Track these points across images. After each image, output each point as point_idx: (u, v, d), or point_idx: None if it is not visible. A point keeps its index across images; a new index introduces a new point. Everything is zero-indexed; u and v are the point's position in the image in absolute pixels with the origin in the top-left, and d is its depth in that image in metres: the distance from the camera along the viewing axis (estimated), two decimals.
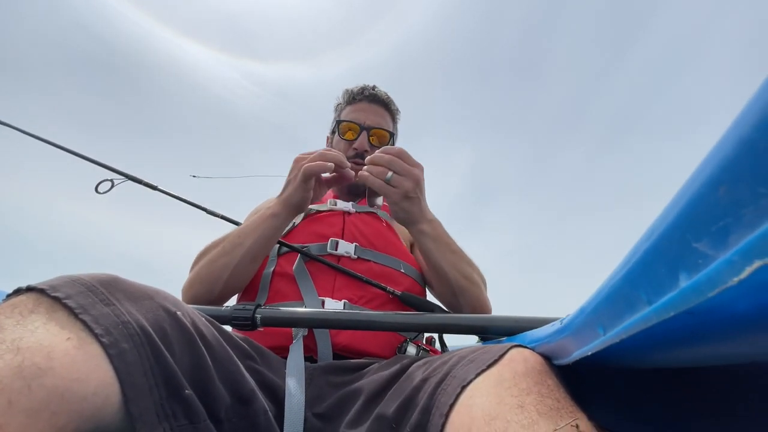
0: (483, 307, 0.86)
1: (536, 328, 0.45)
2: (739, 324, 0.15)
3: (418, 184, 0.75)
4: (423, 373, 0.45)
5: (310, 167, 0.76)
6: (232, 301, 0.86)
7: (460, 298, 0.82)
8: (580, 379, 0.37)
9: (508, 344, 0.40)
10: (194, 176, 0.95)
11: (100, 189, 0.90)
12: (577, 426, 0.29)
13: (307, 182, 0.78)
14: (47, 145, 0.92)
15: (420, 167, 0.76)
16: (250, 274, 0.82)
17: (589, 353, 0.29)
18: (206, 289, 0.79)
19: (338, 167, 0.78)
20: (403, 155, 0.75)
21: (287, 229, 0.92)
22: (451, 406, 0.35)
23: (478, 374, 0.36)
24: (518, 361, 0.37)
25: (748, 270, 0.12)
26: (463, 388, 0.36)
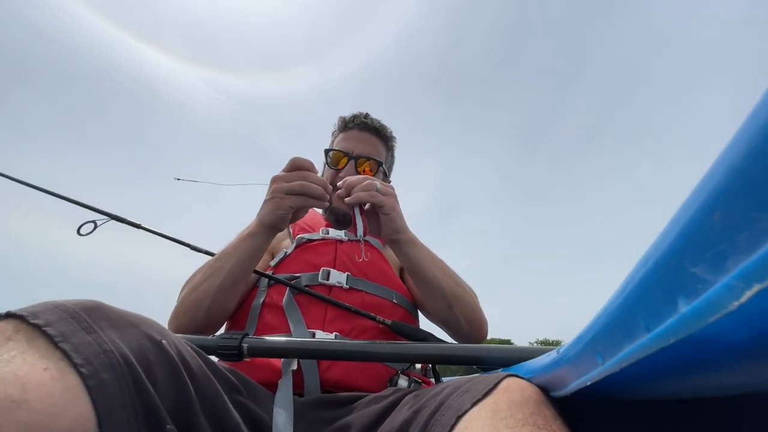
0: (479, 318, 0.85)
1: (533, 358, 0.45)
2: (739, 350, 0.15)
3: (390, 195, 0.79)
4: (415, 405, 0.44)
5: (290, 202, 0.74)
6: (221, 331, 0.83)
7: (455, 308, 0.82)
8: (579, 413, 0.37)
9: (503, 373, 0.40)
10: (178, 179, 0.93)
11: (82, 231, 0.87)
12: None
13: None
14: (26, 187, 0.90)
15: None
16: (233, 298, 0.79)
17: (588, 383, 0.28)
18: (190, 317, 0.75)
19: (320, 201, 0.76)
20: (367, 179, 0.78)
21: (279, 258, 0.91)
22: None
23: (474, 404, 0.35)
24: (515, 390, 0.36)
25: (747, 294, 0.12)
26: (458, 418, 0.35)
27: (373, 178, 0.79)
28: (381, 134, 1.08)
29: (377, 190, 0.76)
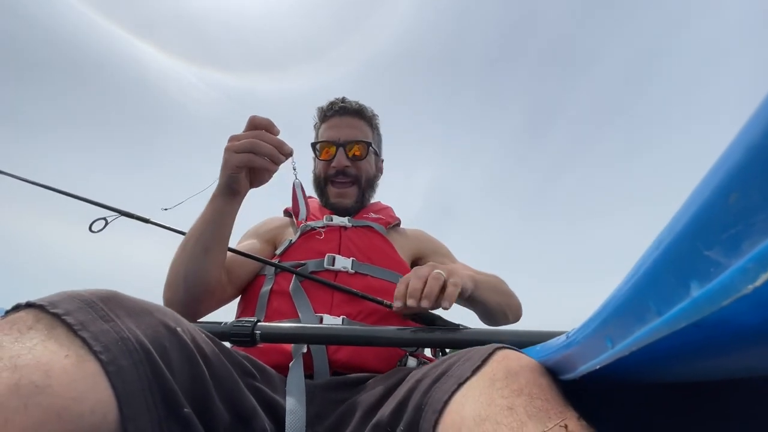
0: (519, 313, 0.96)
1: (541, 342, 0.45)
2: (752, 334, 0.15)
3: (451, 271, 0.70)
4: (418, 376, 0.45)
5: (236, 160, 0.70)
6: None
7: (509, 315, 0.92)
8: (588, 396, 0.37)
9: (497, 344, 0.41)
10: (165, 209, 0.94)
11: (93, 228, 0.88)
12: (566, 426, 0.29)
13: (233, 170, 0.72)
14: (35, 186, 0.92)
15: (429, 266, 0.71)
16: (208, 267, 0.75)
17: (597, 367, 0.28)
18: (172, 291, 0.74)
19: (269, 162, 0.72)
20: (418, 274, 0.67)
21: (284, 246, 0.92)
22: (446, 402, 0.35)
23: (474, 371, 0.36)
24: (513, 359, 0.37)
25: (763, 277, 0.12)
26: (460, 385, 0.36)
27: (425, 268, 0.68)
28: (363, 114, 1.05)
29: (446, 282, 0.66)
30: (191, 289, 0.74)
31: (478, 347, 0.42)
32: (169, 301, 0.75)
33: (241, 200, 0.77)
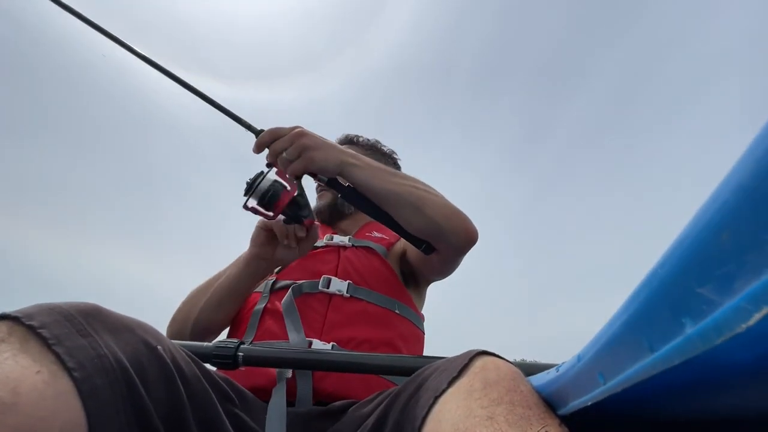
0: (457, 212, 0.79)
1: (531, 374, 0.44)
2: (745, 372, 0.15)
3: (306, 134, 0.72)
4: (395, 391, 0.44)
5: (262, 223, 0.80)
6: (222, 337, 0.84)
7: (425, 209, 0.74)
8: None
9: (477, 350, 0.40)
10: None
11: None
12: None
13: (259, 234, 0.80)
14: None
15: (295, 128, 0.74)
16: (217, 316, 0.83)
17: (589, 403, 0.28)
18: (180, 326, 0.81)
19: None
20: (274, 133, 0.73)
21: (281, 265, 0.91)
22: (424, 419, 0.34)
23: (451, 383, 0.35)
24: (490, 369, 0.36)
25: (756, 316, 0.12)
26: (436, 399, 0.35)
27: (276, 144, 0.72)
28: (354, 141, 1.13)
29: (286, 158, 0.71)
30: (197, 330, 0.82)
31: (456, 356, 0.41)
32: (172, 333, 0.83)
33: (267, 267, 0.84)
